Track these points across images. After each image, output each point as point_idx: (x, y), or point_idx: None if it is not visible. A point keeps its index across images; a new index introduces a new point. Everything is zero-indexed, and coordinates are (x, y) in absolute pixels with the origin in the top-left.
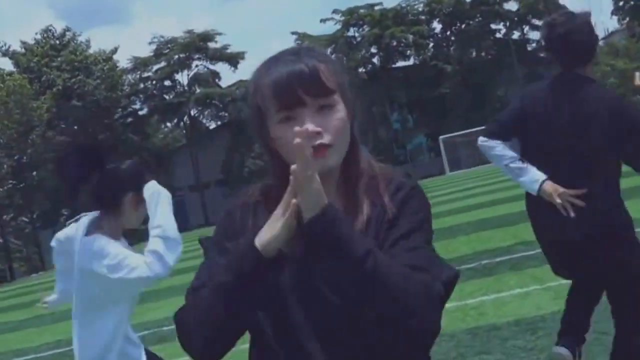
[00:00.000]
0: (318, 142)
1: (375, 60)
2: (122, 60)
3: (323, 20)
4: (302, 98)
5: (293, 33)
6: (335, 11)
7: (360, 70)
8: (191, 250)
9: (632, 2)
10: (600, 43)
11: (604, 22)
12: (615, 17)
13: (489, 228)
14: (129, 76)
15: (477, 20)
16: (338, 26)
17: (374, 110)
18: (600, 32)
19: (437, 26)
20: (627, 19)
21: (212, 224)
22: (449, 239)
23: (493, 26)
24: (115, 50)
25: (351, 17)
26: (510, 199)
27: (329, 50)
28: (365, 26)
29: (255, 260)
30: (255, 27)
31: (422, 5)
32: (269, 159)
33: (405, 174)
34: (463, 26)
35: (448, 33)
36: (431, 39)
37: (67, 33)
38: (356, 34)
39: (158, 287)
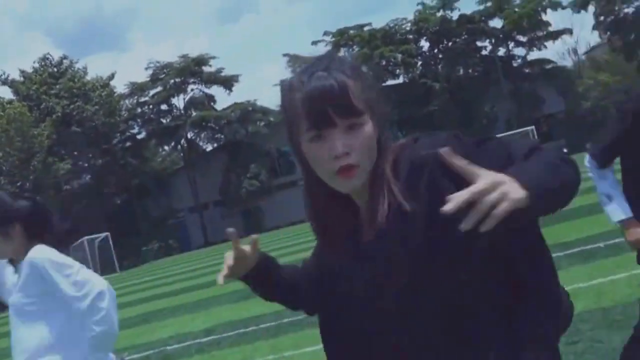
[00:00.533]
0: (346, 162)
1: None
2: (119, 86)
3: (314, 42)
4: (332, 119)
5: (285, 55)
6: (326, 33)
7: None
8: (191, 270)
9: (612, 17)
10: (583, 57)
11: (586, 37)
12: (596, 32)
13: None
14: (127, 101)
15: (463, 37)
16: (329, 47)
17: None
18: (582, 47)
19: (424, 44)
20: (608, 33)
21: (212, 243)
22: None
23: (479, 43)
24: (112, 77)
25: (341, 37)
26: None
27: None
28: (355, 46)
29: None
30: (248, 49)
31: (409, 24)
32: (300, 167)
33: (414, 148)
34: (450, 44)
35: (435, 51)
36: (419, 58)
37: (65, 61)
38: (347, 54)
39: (163, 307)
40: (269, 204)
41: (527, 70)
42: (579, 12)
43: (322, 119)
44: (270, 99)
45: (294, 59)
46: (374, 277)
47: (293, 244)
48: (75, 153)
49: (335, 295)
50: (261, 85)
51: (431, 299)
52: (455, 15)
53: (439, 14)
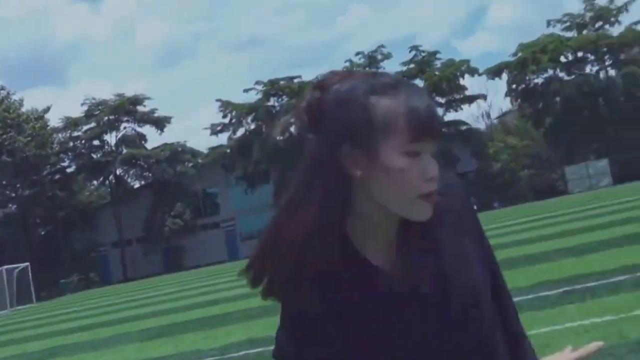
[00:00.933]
0: (435, 187)
1: (292, 129)
2: (54, 120)
3: (246, 90)
4: (433, 138)
5: (217, 100)
6: (257, 82)
7: (278, 138)
8: (107, 305)
9: (523, 86)
10: (495, 121)
11: (499, 103)
12: (508, 99)
13: None
14: (60, 135)
15: None
16: (259, 96)
17: (288, 175)
18: (495, 112)
19: None
20: (519, 100)
21: (132, 279)
22: None
23: None
24: (47, 110)
25: (272, 87)
26: None
27: (250, 118)
28: (284, 97)
29: None
30: (183, 93)
31: None
32: (340, 189)
33: None
34: None
35: None
36: None
37: (2, 91)
38: (276, 104)
39: (73, 342)
40: (191, 243)
41: (444, 130)
42: (493, 79)
43: (428, 134)
44: (200, 141)
45: (225, 105)
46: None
47: (211, 284)
48: (4, 182)
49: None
50: (192, 128)
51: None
52: None
53: None
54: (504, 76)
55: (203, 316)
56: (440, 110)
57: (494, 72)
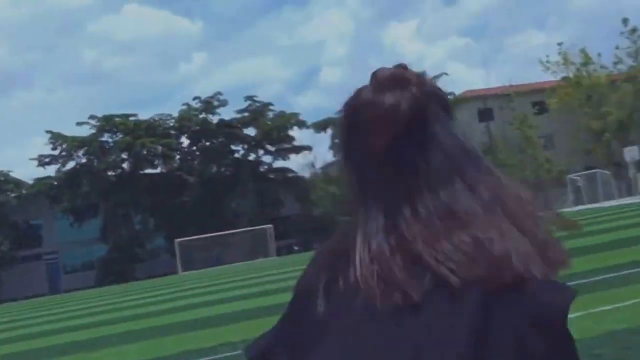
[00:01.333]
0: None
1: (125, 165)
2: None
3: (79, 124)
4: None
5: (47, 131)
6: (92, 117)
7: (110, 173)
8: None
9: None
10: (318, 171)
11: (324, 155)
12: (331, 152)
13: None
14: None
15: (220, 140)
16: (93, 130)
17: (118, 211)
18: (319, 162)
19: (185, 141)
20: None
21: None
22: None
23: (233, 147)
24: None
25: (107, 123)
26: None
27: (81, 152)
28: (119, 133)
29: None
30: (12, 122)
31: (173, 121)
32: None
33: None
34: (208, 143)
35: (194, 148)
36: (178, 152)
37: None
38: (109, 140)
39: None
40: (9, 274)
41: (271, 176)
42: (319, 132)
43: None
44: (27, 172)
45: (56, 137)
46: None
47: (32, 316)
48: None
49: None
50: (19, 158)
51: None
52: (215, 119)
53: (201, 116)
54: (329, 131)
55: (9, 352)
56: (269, 158)
57: (320, 127)
